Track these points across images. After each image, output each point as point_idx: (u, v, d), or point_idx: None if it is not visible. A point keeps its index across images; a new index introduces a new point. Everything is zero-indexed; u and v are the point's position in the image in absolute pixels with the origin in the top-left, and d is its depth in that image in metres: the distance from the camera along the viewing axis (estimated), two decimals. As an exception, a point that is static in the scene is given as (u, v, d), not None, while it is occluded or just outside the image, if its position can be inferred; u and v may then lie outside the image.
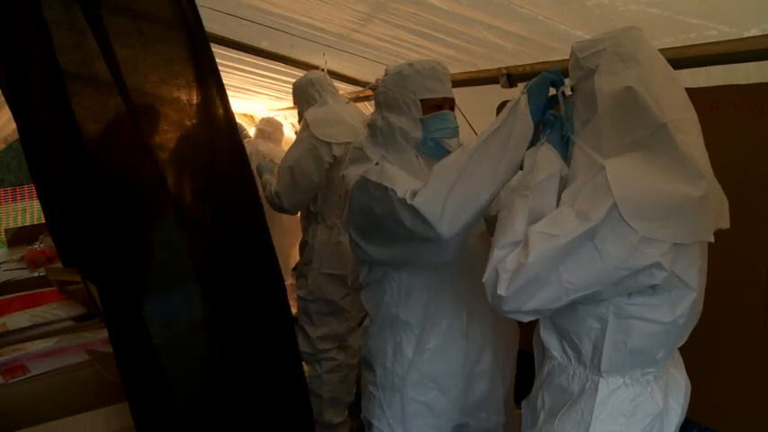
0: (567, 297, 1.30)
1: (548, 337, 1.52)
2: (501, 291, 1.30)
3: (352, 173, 1.83)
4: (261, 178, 3.22)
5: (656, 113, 1.28)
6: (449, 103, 1.88)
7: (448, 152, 1.86)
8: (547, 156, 1.45)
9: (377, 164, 1.79)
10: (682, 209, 1.25)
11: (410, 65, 1.86)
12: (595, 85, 1.38)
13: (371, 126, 1.92)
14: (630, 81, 1.32)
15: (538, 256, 1.26)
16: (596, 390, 1.42)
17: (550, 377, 1.54)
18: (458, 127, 1.89)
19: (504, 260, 1.32)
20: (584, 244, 1.26)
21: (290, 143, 5.34)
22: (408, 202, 1.57)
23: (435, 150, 1.86)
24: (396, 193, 1.61)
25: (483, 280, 1.35)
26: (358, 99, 3.75)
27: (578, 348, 1.44)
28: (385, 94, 1.88)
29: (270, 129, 4.60)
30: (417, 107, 1.83)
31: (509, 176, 1.56)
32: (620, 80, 1.34)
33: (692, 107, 1.34)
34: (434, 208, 1.55)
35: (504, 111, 1.53)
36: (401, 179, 1.67)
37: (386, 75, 1.91)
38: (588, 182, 1.31)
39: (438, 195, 1.55)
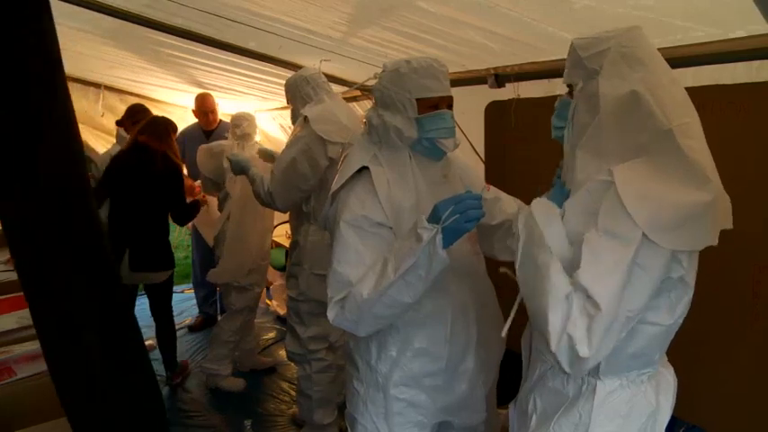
0: (628, 324, 1.28)
1: (541, 341, 1.50)
2: (584, 352, 1.21)
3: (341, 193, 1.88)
4: (247, 174, 3.12)
5: (660, 119, 1.26)
6: (446, 102, 1.85)
7: (443, 153, 1.87)
8: (545, 210, 1.38)
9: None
10: (694, 216, 1.24)
11: (407, 62, 1.83)
12: (600, 88, 1.35)
13: (368, 123, 1.91)
14: (635, 85, 1.30)
15: (609, 301, 1.20)
16: (594, 392, 1.41)
17: (543, 380, 1.53)
18: (455, 127, 1.87)
19: (569, 322, 1.22)
20: (632, 267, 1.23)
21: (273, 140, 5.35)
22: (330, 317, 1.74)
23: (430, 150, 1.86)
24: (329, 300, 1.76)
25: (553, 350, 1.25)
26: (347, 99, 3.74)
27: None
28: (381, 91, 1.86)
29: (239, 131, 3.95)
30: (413, 106, 1.81)
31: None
32: (626, 84, 1.32)
33: (693, 109, 1.33)
34: (350, 327, 1.74)
35: (417, 246, 1.54)
36: (348, 267, 1.74)
37: (383, 71, 1.89)
38: (608, 197, 1.26)
39: (351, 320, 1.72)
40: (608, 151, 1.33)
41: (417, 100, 1.81)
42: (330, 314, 1.74)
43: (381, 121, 1.84)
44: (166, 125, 3.83)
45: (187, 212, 3.94)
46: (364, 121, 1.95)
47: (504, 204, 1.99)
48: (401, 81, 1.81)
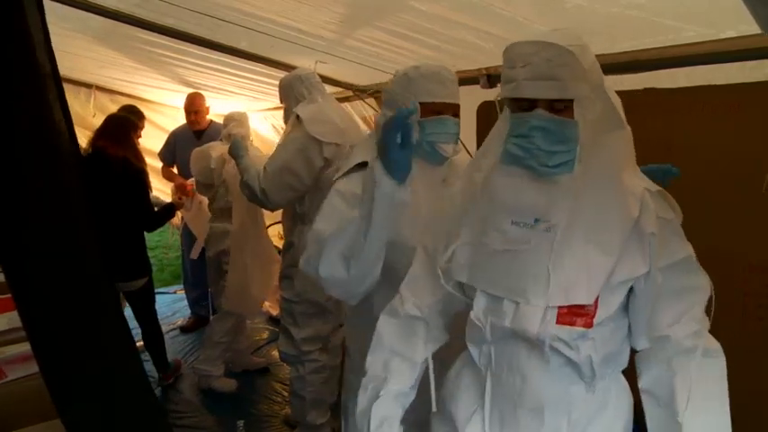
0: None
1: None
2: None
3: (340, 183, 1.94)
4: (238, 163, 3.03)
5: (620, 112, 1.29)
6: (451, 110, 1.86)
7: (444, 157, 1.88)
8: None
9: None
10: None
11: (417, 67, 1.86)
12: (611, 97, 1.29)
13: (376, 125, 1.95)
14: (606, 88, 1.30)
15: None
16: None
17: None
18: (457, 133, 1.88)
19: None
20: None
21: (265, 141, 5.33)
22: (300, 264, 1.84)
23: (431, 154, 1.87)
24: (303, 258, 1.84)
25: None
26: (339, 99, 3.73)
27: None
28: (389, 93, 1.92)
29: (225, 131, 3.98)
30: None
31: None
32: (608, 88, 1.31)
33: None
34: (315, 267, 1.78)
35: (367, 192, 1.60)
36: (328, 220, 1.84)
37: (395, 75, 1.93)
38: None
39: (314, 256, 1.79)
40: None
41: (421, 104, 1.82)
42: (300, 262, 1.82)
43: None
44: (125, 125, 3.63)
45: (154, 218, 3.78)
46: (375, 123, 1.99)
47: None
48: (408, 84, 1.85)
